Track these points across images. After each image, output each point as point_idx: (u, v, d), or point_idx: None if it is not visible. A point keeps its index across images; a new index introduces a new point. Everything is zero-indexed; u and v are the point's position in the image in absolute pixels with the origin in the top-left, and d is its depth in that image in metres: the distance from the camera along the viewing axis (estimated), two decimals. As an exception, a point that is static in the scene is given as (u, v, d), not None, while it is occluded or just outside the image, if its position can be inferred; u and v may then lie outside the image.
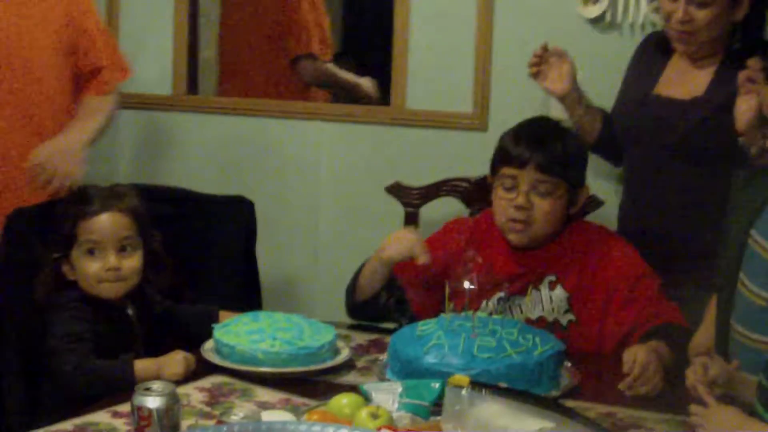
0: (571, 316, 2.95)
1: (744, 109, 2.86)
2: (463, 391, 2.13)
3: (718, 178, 3.03)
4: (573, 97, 3.28)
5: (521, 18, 3.71)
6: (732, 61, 3.08)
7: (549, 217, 2.95)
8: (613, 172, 3.54)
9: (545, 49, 3.25)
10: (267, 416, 2.20)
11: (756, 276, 2.59)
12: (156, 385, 2.16)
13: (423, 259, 2.87)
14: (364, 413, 2.21)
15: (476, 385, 2.14)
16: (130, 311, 2.82)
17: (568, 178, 2.97)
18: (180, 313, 2.96)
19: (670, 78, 3.24)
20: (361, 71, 4.32)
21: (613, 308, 2.93)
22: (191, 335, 2.82)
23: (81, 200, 2.84)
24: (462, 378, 2.18)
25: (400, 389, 2.34)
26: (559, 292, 2.96)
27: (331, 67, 4.27)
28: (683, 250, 3.14)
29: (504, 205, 2.97)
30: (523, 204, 2.93)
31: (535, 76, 3.27)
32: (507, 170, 2.96)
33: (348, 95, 4.25)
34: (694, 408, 2.35)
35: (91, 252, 2.77)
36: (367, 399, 2.33)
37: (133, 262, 2.80)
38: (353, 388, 2.40)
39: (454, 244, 3.06)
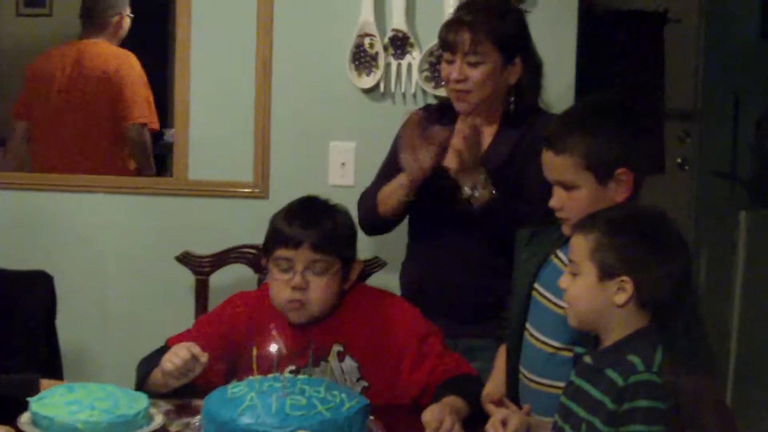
0: (363, 383, 3.02)
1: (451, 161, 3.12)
2: (306, 446, 2.25)
3: (496, 235, 3.22)
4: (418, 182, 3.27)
5: (298, 89, 3.84)
6: (508, 125, 3.33)
7: (325, 295, 3.01)
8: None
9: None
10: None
11: (542, 326, 2.79)
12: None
13: (204, 359, 2.86)
14: (198, 474, 2.30)
15: (316, 438, 2.27)
16: None
17: (342, 255, 3.04)
18: None
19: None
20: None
21: (405, 370, 3.02)
22: (7, 406, 2.79)
23: None
24: (304, 434, 2.30)
25: (229, 449, 2.43)
26: (349, 362, 3.03)
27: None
28: (467, 302, 3.33)
29: (281, 286, 3.00)
30: (299, 284, 2.96)
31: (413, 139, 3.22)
32: (282, 252, 3.00)
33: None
34: None
35: None
36: (197, 461, 2.41)
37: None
38: (180, 452, 2.48)
39: (236, 322, 3.09)
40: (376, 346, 3.04)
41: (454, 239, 3.34)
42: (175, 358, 2.84)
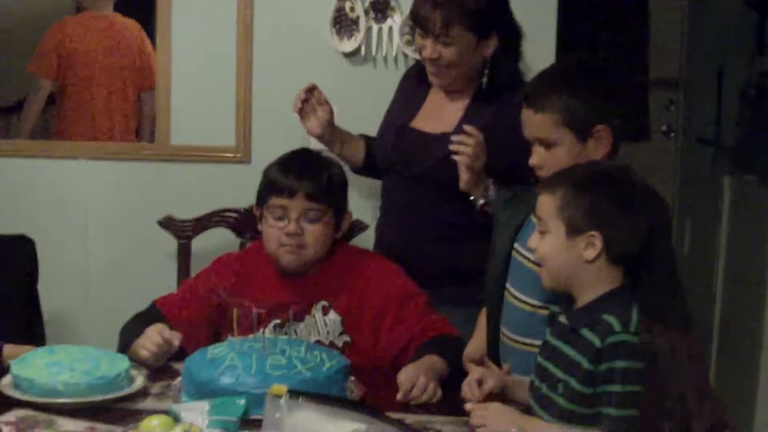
0: (346, 338, 3.07)
1: (461, 174, 3.12)
2: (282, 400, 2.26)
3: (460, 205, 3.22)
4: (329, 138, 3.48)
5: (280, 54, 3.83)
6: (482, 97, 3.31)
7: (319, 241, 3.09)
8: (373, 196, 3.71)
9: (310, 89, 3.41)
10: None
11: (522, 285, 2.81)
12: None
13: (176, 341, 2.90)
14: (178, 431, 2.31)
15: (293, 393, 2.27)
16: None
17: (334, 205, 3.13)
18: None
19: (427, 112, 3.40)
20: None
21: (385, 327, 3.07)
22: None
23: None
24: (280, 387, 2.30)
25: (207, 407, 2.43)
26: (333, 316, 3.07)
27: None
28: (432, 269, 3.31)
29: (275, 233, 3.08)
30: (294, 231, 3.05)
31: (299, 113, 3.44)
32: (276, 201, 3.08)
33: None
34: (472, 407, 2.55)
35: None
36: (176, 419, 2.41)
37: None
38: (161, 412, 2.49)
39: (223, 279, 3.14)
40: (359, 303, 3.09)
41: (413, 207, 3.37)
42: (149, 344, 2.87)
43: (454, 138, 3.13)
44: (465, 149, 3.09)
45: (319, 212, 3.08)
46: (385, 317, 3.07)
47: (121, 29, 4.36)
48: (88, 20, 4.38)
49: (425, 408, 2.73)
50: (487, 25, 3.23)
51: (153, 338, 2.88)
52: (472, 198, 3.17)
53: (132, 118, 4.33)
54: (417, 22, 3.27)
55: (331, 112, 3.45)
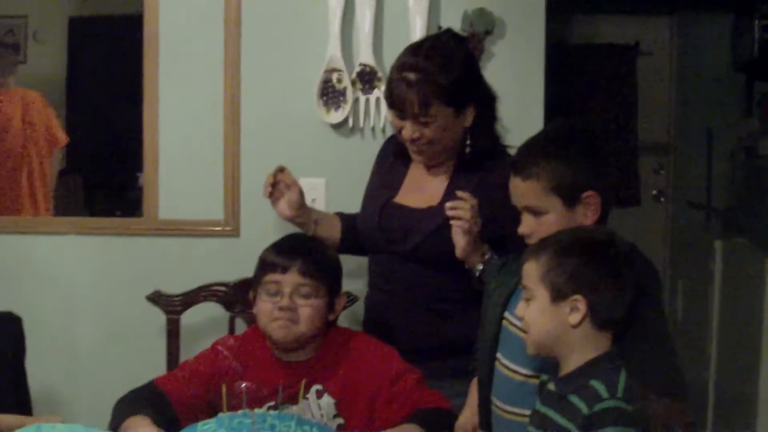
0: (340, 420, 3.04)
1: (458, 241, 3.10)
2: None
3: (452, 278, 3.23)
4: (301, 220, 3.47)
5: (267, 125, 3.84)
6: (463, 166, 3.29)
7: (312, 318, 3.06)
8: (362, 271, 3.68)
9: (281, 170, 3.43)
10: None
11: (512, 354, 2.77)
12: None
13: None
14: None
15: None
16: None
17: (327, 283, 3.11)
18: None
19: (409, 186, 3.39)
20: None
21: (378, 407, 3.04)
22: None
23: None
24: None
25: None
26: (326, 399, 3.04)
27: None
28: (425, 343, 3.29)
29: (269, 308, 3.06)
30: (287, 305, 3.03)
31: (269, 197, 3.44)
32: (270, 277, 3.08)
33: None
34: None
35: None
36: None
37: None
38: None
39: (220, 361, 3.13)
40: (353, 385, 3.06)
41: (404, 282, 3.35)
42: None
43: (448, 204, 3.10)
44: (463, 213, 3.07)
45: (311, 288, 3.07)
46: (378, 398, 3.04)
47: (34, 104, 4.32)
48: (7, 97, 4.37)
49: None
50: (463, 96, 3.21)
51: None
52: (467, 267, 3.16)
53: (51, 194, 4.27)
54: (393, 104, 3.24)
55: (301, 193, 3.45)
